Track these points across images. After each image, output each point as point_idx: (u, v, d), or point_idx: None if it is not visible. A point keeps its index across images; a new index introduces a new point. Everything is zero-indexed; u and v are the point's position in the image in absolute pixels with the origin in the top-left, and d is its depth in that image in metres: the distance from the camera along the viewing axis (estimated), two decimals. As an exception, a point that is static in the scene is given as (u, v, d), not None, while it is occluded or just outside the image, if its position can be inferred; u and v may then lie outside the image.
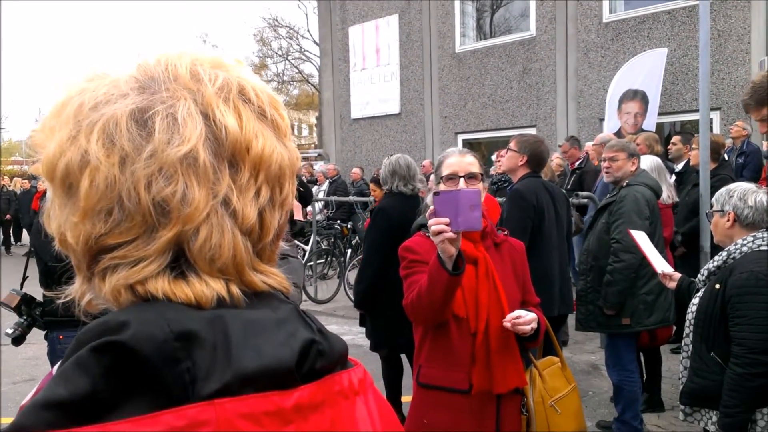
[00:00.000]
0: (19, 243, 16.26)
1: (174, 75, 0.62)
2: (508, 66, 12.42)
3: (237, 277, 0.63)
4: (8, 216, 15.60)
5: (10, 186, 16.36)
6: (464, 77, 13.13)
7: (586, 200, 5.99)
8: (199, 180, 0.59)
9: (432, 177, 2.73)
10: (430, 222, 2.08)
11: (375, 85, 14.73)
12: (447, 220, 2.00)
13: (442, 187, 2.43)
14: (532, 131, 11.96)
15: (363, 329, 4.63)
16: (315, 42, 27.21)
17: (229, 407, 0.53)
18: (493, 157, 8.95)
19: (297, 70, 34.22)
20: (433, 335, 2.33)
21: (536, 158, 3.93)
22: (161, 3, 79.91)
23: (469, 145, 13.31)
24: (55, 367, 0.58)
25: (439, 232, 2.01)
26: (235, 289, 0.62)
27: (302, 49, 30.82)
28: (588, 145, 7.92)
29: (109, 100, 0.61)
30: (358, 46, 15.06)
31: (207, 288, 0.60)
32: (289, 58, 32.21)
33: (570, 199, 4.78)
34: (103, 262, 0.61)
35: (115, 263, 0.60)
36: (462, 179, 2.43)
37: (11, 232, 16.24)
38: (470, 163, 2.48)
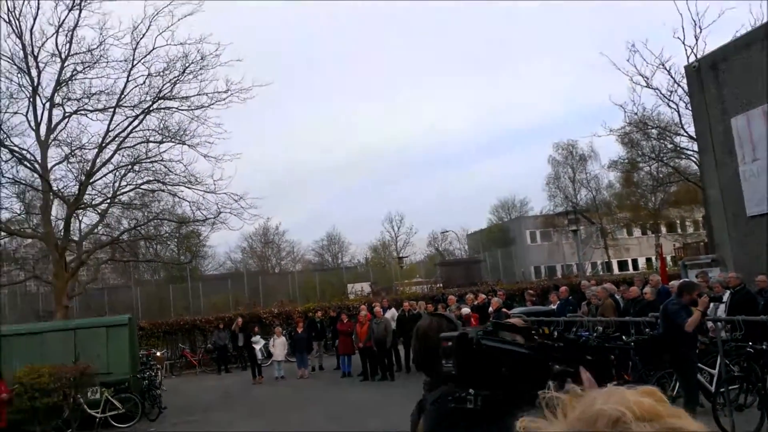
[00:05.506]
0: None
1: None
2: None
3: None
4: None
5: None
6: None
7: None
8: None
9: None
10: None
11: (773, 175, 12.93)
12: None
13: None
14: None
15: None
16: (691, 137, 25.56)
17: None
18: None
19: (672, 168, 32.26)
20: None
21: None
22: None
23: None
24: None
25: None
26: None
27: (677, 147, 29.07)
28: None
29: None
30: (745, 136, 13.58)
31: None
32: (663, 157, 30.65)
33: None
34: None
35: None
36: None
37: None
38: None
